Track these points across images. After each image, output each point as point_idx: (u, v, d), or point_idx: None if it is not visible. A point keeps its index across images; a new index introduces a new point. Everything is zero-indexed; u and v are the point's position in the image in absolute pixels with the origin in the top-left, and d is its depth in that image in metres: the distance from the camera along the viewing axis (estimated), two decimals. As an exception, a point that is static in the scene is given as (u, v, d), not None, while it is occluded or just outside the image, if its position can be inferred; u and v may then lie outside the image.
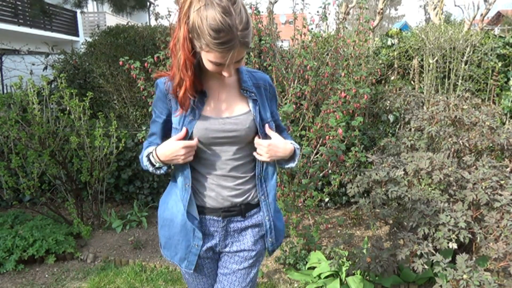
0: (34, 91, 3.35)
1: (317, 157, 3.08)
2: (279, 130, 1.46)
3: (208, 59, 1.16)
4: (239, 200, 1.36)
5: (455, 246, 2.16)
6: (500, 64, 4.25)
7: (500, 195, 2.28)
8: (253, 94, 1.32)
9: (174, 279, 2.91)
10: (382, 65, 4.34)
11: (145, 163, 1.35)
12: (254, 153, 1.34)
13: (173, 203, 1.37)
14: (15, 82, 3.50)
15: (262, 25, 3.63)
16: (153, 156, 1.31)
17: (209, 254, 1.40)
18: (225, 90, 1.33)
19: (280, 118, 2.14)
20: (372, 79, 3.73)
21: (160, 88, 1.32)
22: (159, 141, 1.37)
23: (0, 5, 11.01)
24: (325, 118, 2.93)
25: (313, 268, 2.83)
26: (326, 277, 2.72)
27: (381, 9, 4.75)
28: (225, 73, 1.20)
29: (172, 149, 1.26)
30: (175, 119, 1.30)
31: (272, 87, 1.42)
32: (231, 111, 1.31)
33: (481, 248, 2.55)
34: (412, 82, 4.50)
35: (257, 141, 1.32)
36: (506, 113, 4.18)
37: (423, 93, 4.22)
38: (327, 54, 3.55)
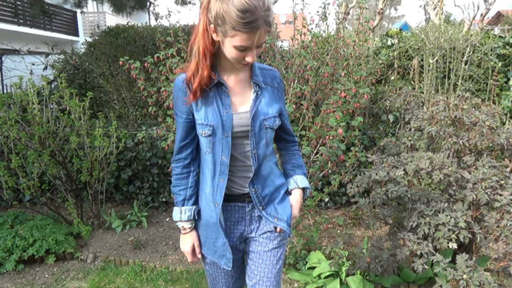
0: (34, 91, 3.35)
1: (317, 157, 3.07)
2: (286, 133, 1.50)
3: (233, 44, 1.19)
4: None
5: (455, 246, 2.16)
6: (500, 64, 4.25)
7: (500, 195, 2.27)
8: (258, 88, 1.36)
9: (174, 279, 2.91)
10: (382, 65, 4.34)
11: (175, 206, 1.44)
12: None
13: (204, 203, 1.41)
14: (15, 82, 3.50)
15: (262, 25, 3.61)
16: (181, 223, 1.43)
17: (238, 244, 1.46)
18: (240, 85, 1.37)
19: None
20: (372, 79, 3.73)
21: (179, 86, 1.33)
22: (190, 157, 1.41)
23: (0, 5, 11.00)
24: (325, 118, 2.93)
25: (313, 268, 2.83)
26: (326, 277, 2.72)
27: (381, 9, 4.75)
28: (248, 58, 1.22)
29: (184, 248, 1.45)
30: (200, 115, 1.32)
31: (281, 84, 1.45)
32: (248, 106, 1.35)
33: (481, 248, 2.54)
34: (412, 82, 4.50)
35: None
36: (506, 113, 4.18)
37: (423, 93, 4.21)
38: (327, 54, 3.55)
